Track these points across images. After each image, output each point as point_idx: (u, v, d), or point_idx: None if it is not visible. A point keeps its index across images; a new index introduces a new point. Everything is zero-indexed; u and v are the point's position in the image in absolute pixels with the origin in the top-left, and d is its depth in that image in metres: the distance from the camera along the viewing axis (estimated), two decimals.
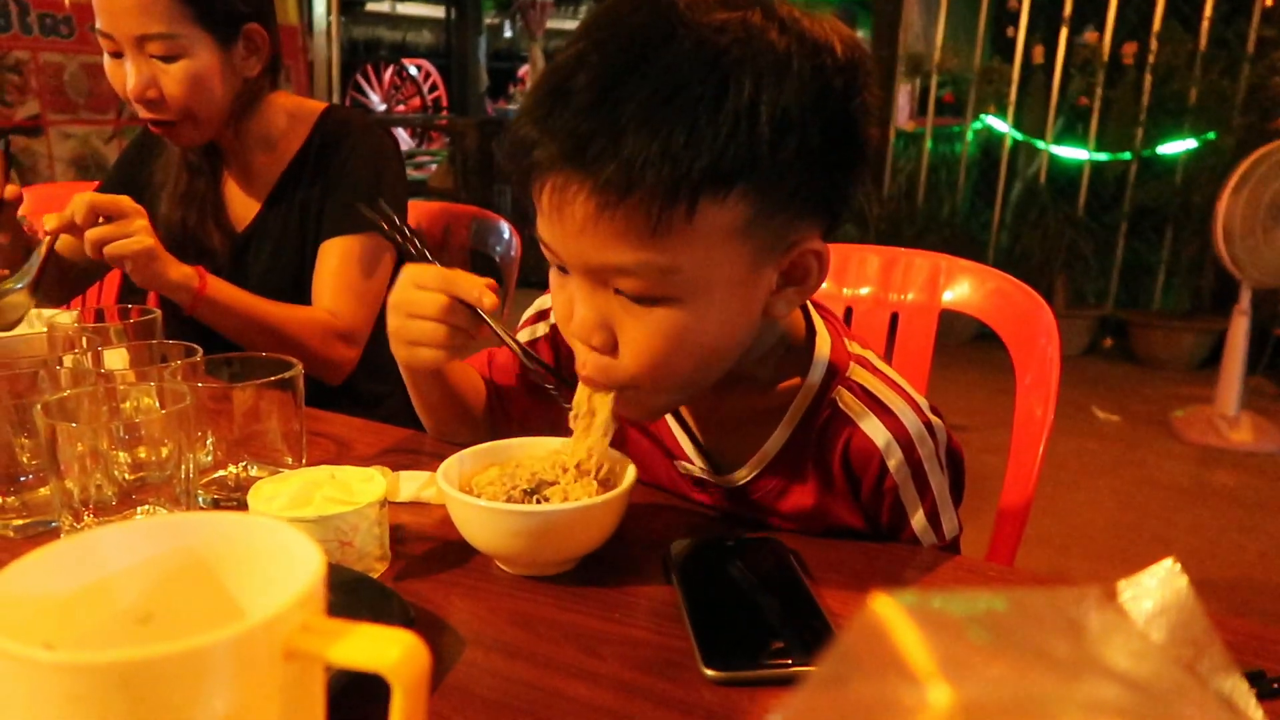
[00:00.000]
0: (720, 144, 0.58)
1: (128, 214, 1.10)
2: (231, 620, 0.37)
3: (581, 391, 0.73)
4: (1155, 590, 0.32)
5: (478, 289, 0.76)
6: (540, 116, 0.61)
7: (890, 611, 0.21)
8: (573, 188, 0.61)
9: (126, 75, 1.21)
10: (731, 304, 0.67)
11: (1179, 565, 0.32)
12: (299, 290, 1.33)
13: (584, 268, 0.66)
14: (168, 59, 1.20)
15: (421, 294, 0.77)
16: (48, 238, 1.11)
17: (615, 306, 0.66)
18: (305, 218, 1.34)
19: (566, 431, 0.76)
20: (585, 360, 0.70)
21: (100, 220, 1.10)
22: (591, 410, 0.72)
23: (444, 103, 10.34)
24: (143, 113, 1.24)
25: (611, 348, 0.68)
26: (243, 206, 1.38)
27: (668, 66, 0.58)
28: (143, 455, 0.76)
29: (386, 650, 0.32)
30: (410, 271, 0.79)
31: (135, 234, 1.10)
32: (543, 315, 0.93)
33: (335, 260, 1.30)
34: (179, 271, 1.15)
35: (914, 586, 0.70)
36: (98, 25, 1.20)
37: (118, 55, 1.21)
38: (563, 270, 0.69)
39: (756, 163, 0.59)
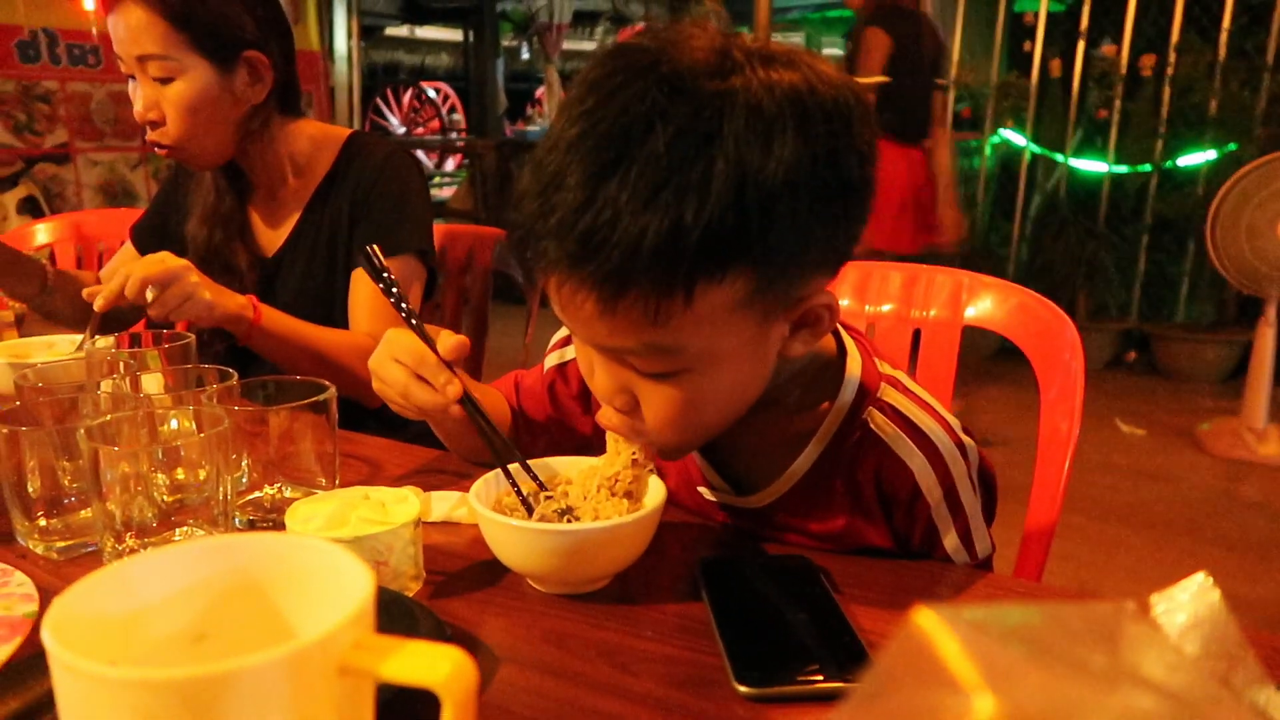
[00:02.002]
0: (710, 229, 0.57)
1: (177, 275, 1.12)
2: (283, 639, 0.39)
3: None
4: (1188, 604, 0.32)
5: (444, 378, 0.78)
6: (538, 213, 0.61)
7: (931, 624, 0.22)
8: (574, 286, 0.62)
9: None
10: (744, 364, 0.68)
11: (1211, 579, 0.33)
12: (328, 314, 1.36)
13: (596, 347, 0.68)
14: (164, 80, 1.24)
15: (392, 368, 0.80)
16: (95, 311, 1.14)
17: (633, 375, 0.69)
18: (334, 242, 1.36)
19: (593, 452, 0.77)
20: (610, 416, 0.72)
21: (150, 291, 1.11)
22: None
23: (463, 124, 10.45)
24: (148, 134, 1.28)
25: (634, 408, 0.70)
26: (271, 230, 1.41)
27: (652, 156, 0.57)
28: (181, 477, 0.77)
29: (437, 666, 0.34)
30: (389, 339, 0.81)
31: (192, 294, 1.12)
32: (570, 339, 0.94)
33: (369, 286, 1.32)
34: (235, 303, 1.18)
35: (944, 602, 0.70)
36: (114, 48, 1.25)
37: (132, 77, 1.26)
38: None
39: (749, 241, 0.59)
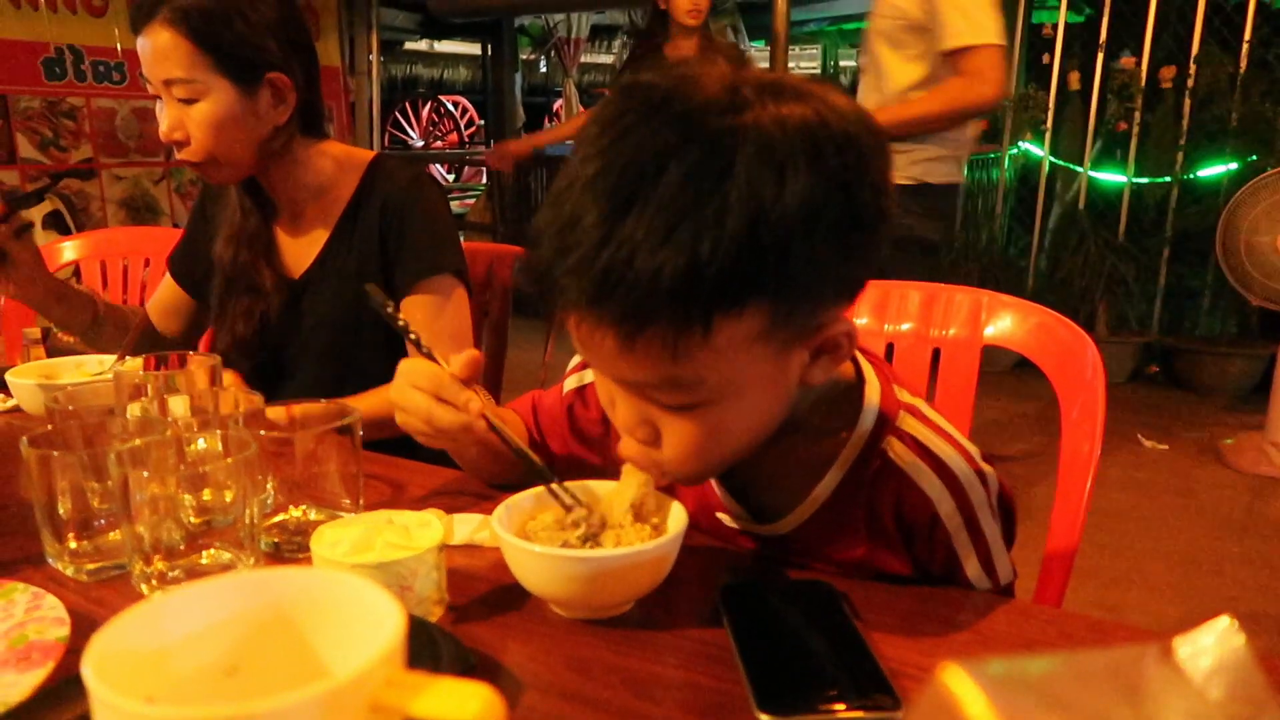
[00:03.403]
0: (726, 264, 0.57)
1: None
2: (313, 673, 0.39)
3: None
4: (1213, 648, 0.33)
5: (464, 396, 0.80)
6: (556, 252, 0.62)
7: (958, 681, 0.22)
8: (592, 324, 0.63)
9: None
10: (764, 393, 0.69)
11: (1236, 623, 0.33)
12: (356, 337, 1.36)
13: (618, 383, 0.69)
14: (189, 101, 1.26)
15: (413, 395, 0.82)
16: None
17: (654, 408, 0.69)
18: (363, 266, 1.37)
19: (611, 476, 0.78)
20: (632, 448, 0.73)
21: None
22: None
23: (481, 137, 10.51)
24: (175, 153, 1.31)
25: (655, 439, 0.71)
26: (297, 252, 1.42)
27: (666, 194, 0.58)
28: (207, 498, 0.78)
29: (467, 704, 0.34)
30: (405, 369, 0.83)
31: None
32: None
33: (421, 314, 1.34)
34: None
35: (964, 631, 0.70)
36: (141, 70, 1.29)
37: (159, 97, 1.29)
38: None
39: (765, 274, 0.59)
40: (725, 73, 0.63)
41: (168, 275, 1.55)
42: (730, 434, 0.70)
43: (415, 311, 1.34)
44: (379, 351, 1.38)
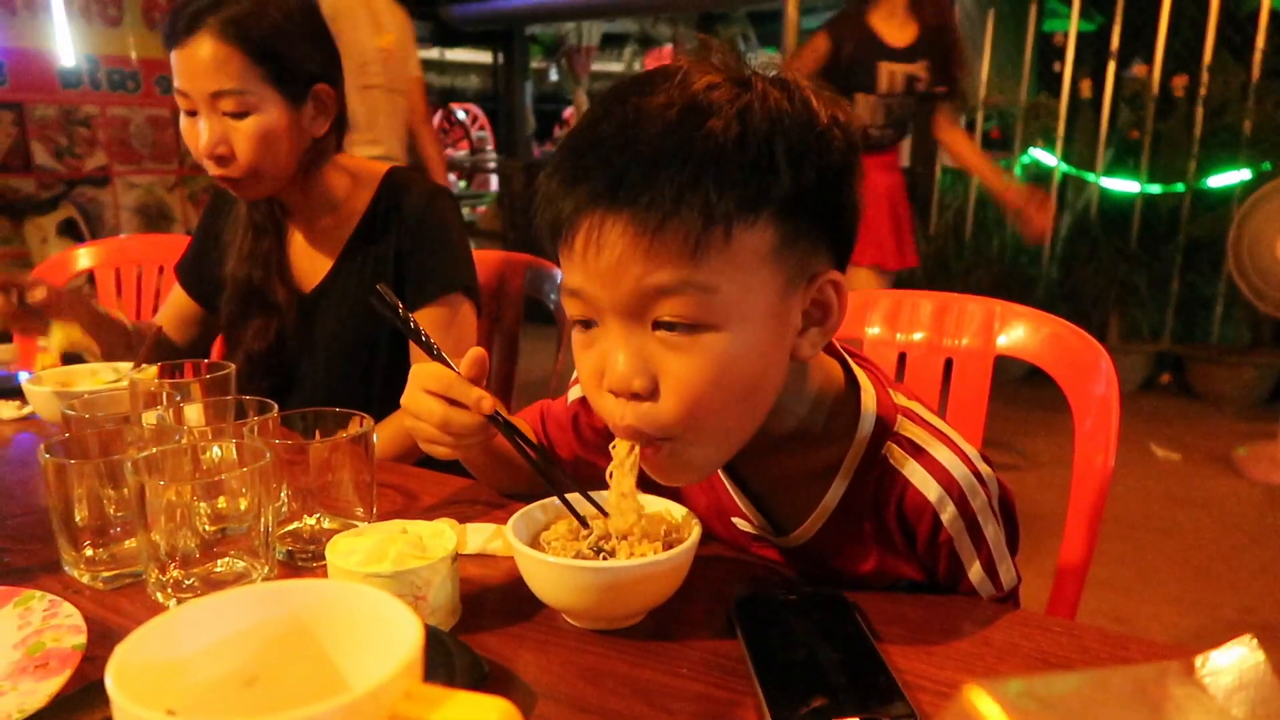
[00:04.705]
0: (747, 173, 0.63)
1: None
2: (332, 684, 0.39)
3: (622, 447, 0.72)
4: (1234, 666, 0.32)
5: (475, 394, 0.80)
6: (571, 164, 0.65)
7: (982, 701, 0.22)
8: (609, 222, 0.64)
9: (200, 133, 1.25)
10: (766, 335, 0.68)
11: (1256, 640, 0.33)
12: (370, 351, 1.37)
13: (623, 302, 0.65)
14: (239, 115, 1.24)
15: (425, 400, 0.82)
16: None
17: (654, 346, 0.66)
18: (378, 279, 1.34)
19: None
20: (624, 412, 0.68)
21: None
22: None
23: (491, 145, 10.54)
24: (213, 169, 1.27)
25: (652, 390, 0.67)
26: (310, 265, 1.41)
27: (688, 112, 0.63)
28: (222, 506, 0.79)
29: (485, 718, 0.34)
30: (416, 373, 0.83)
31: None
32: None
33: (427, 328, 1.31)
34: None
35: (977, 643, 0.70)
36: (176, 84, 1.25)
37: (193, 114, 1.26)
38: (589, 326, 0.70)
39: (779, 190, 0.64)
40: (719, 69, 0.69)
41: (177, 285, 1.55)
42: (731, 378, 0.67)
43: (421, 325, 1.33)
44: (391, 364, 1.38)
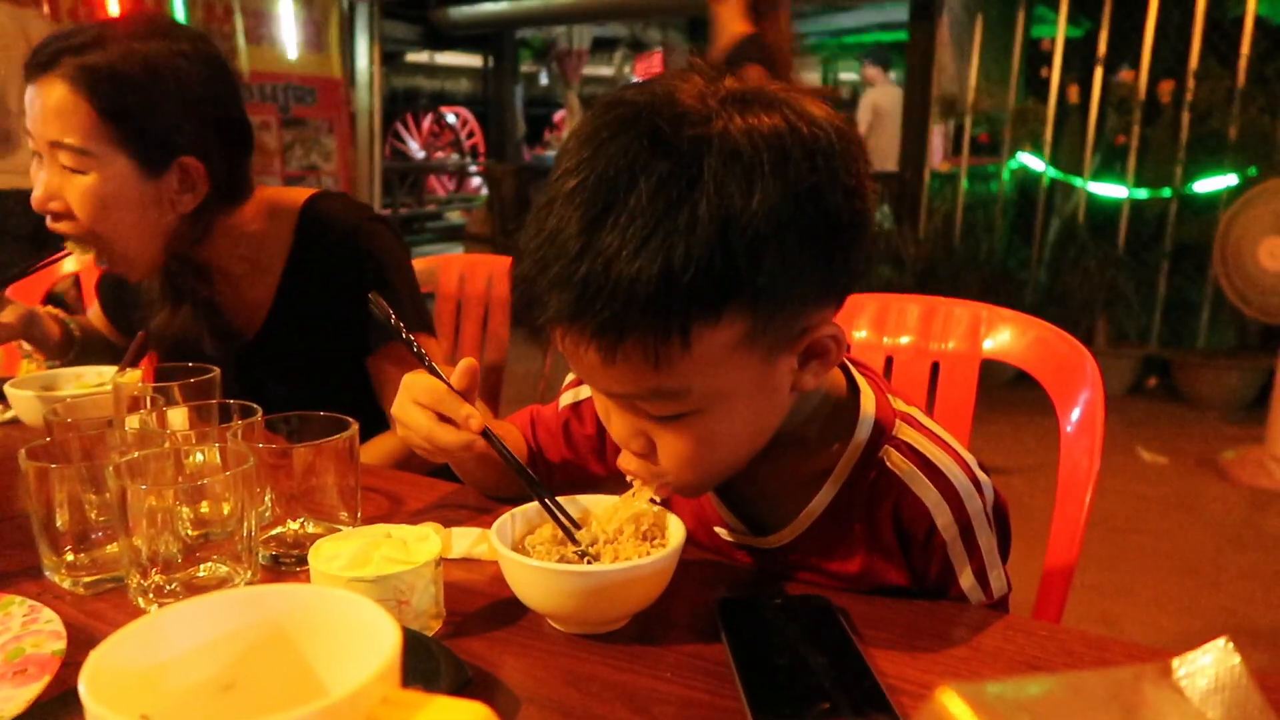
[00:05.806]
0: (699, 272, 0.58)
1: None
2: (310, 689, 0.39)
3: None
4: (1210, 668, 0.33)
5: (464, 411, 0.80)
6: (538, 266, 0.63)
7: (955, 704, 0.22)
8: (575, 337, 0.64)
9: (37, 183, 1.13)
10: (754, 400, 0.69)
11: (1232, 644, 0.33)
12: (314, 402, 1.25)
13: (608, 396, 0.70)
14: (75, 171, 1.11)
15: (415, 412, 0.82)
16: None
17: (646, 419, 0.70)
18: (315, 327, 1.28)
19: (607, 490, 0.78)
20: (629, 460, 0.74)
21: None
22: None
23: (481, 149, 10.55)
24: (49, 223, 1.15)
25: (650, 451, 0.72)
26: (246, 313, 1.31)
27: (639, 205, 0.59)
28: (205, 511, 0.78)
29: None
30: (407, 383, 0.83)
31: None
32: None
33: (392, 368, 1.26)
34: None
35: (962, 647, 0.70)
36: (26, 123, 1.13)
37: (38, 155, 1.14)
38: None
39: (739, 281, 0.60)
40: (698, 86, 0.64)
41: (97, 304, 1.47)
42: (723, 442, 0.70)
43: (381, 370, 1.28)
44: (350, 395, 1.27)
